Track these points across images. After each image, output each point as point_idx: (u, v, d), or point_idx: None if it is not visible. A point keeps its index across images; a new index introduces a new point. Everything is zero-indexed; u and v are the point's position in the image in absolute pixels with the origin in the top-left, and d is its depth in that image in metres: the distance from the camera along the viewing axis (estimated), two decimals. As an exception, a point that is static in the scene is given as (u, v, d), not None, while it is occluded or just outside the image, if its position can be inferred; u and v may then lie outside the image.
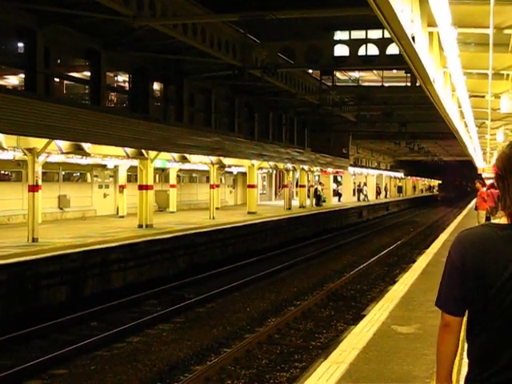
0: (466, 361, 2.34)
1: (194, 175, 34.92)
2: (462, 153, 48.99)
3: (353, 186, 51.10)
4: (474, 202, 47.40)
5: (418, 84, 20.12)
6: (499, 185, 2.29)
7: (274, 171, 42.22)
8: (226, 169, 33.36)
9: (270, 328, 11.64)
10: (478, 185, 21.42)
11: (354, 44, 22.21)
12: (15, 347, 10.67)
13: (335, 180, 49.68)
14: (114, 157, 21.21)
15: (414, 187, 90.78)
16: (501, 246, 2.20)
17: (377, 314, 8.54)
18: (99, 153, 19.64)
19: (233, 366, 9.48)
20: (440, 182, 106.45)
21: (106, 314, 13.13)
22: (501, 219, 2.28)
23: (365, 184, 51.88)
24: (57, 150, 17.03)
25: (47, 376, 9.28)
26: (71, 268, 13.90)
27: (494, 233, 2.24)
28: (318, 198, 38.99)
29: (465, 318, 2.31)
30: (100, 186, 26.75)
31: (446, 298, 2.34)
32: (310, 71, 28.97)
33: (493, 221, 2.34)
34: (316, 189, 39.81)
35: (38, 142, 15.53)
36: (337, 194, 47.14)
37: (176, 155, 22.99)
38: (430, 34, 9.79)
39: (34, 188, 15.79)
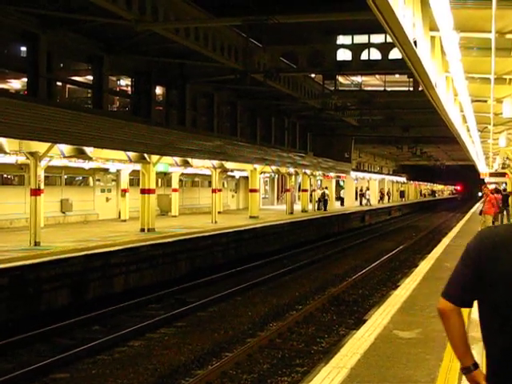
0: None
1: (196, 179, 34.94)
2: (464, 157, 48.93)
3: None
4: (476, 206, 47.29)
5: (420, 88, 20.09)
6: None
7: (277, 175, 42.20)
8: (229, 173, 33.41)
9: (272, 332, 11.62)
10: (485, 190, 21.43)
11: (356, 48, 22.19)
12: (17, 351, 10.67)
13: (337, 185, 49.60)
14: (117, 161, 21.24)
15: (421, 192, 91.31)
16: None
17: (378, 319, 8.52)
18: (101, 157, 19.67)
19: (234, 370, 9.47)
20: (459, 187, 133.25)
21: (107, 318, 13.13)
22: None
23: (367, 188, 51.85)
24: (59, 154, 17.06)
25: (49, 380, 9.28)
26: (73, 272, 13.90)
27: None
28: (325, 203, 38.90)
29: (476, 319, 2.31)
30: (102, 190, 26.79)
31: (454, 288, 2.37)
32: (313, 75, 28.97)
33: None
34: (323, 193, 39.69)
35: (40, 146, 15.55)
36: (338, 198, 47.06)
37: (178, 159, 23.01)
38: (432, 38, 9.78)
39: (36, 192, 15.81)
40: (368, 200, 49.94)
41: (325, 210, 38.25)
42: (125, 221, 24.85)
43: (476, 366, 2.43)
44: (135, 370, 9.62)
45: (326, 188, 40.96)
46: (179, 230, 20.89)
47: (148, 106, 23.27)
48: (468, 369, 2.43)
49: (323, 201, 38.90)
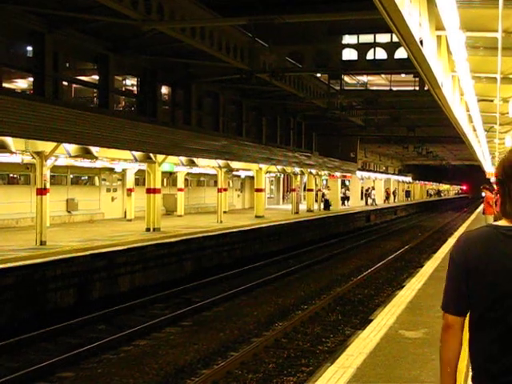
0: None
1: (201, 179, 34.97)
2: (470, 157, 48.82)
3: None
4: (482, 206, 47.34)
5: (426, 88, 20.04)
6: (499, 190, 2.29)
7: (282, 175, 42.19)
8: (234, 172, 33.40)
9: (277, 332, 11.62)
10: (483, 190, 21.64)
11: (362, 48, 22.11)
12: (23, 350, 10.70)
13: (342, 184, 49.56)
14: (122, 160, 21.28)
15: (428, 191, 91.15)
16: (504, 247, 2.20)
17: (384, 319, 8.51)
18: (107, 156, 19.70)
19: (240, 369, 9.47)
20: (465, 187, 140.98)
21: (113, 317, 13.15)
22: (501, 222, 2.28)
23: (373, 188, 51.77)
24: (65, 154, 17.10)
25: (54, 379, 9.30)
26: (79, 271, 13.93)
27: (497, 234, 2.24)
28: (326, 202, 38.94)
29: (467, 321, 2.29)
30: (108, 190, 26.83)
31: (449, 298, 2.35)
32: (318, 75, 28.93)
33: (494, 223, 2.33)
34: (323, 193, 39.75)
35: (46, 146, 15.59)
36: (341, 198, 47.05)
37: (184, 159, 23.03)
38: (438, 37, 9.75)
39: (42, 191, 15.85)
40: (373, 200, 49.86)
41: (325, 209, 38.13)
42: (130, 220, 24.89)
43: None
44: (141, 369, 9.63)
45: (328, 187, 41.04)
46: (185, 229, 20.91)
47: (154, 105, 23.29)
48: None
49: (324, 201, 38.94)
